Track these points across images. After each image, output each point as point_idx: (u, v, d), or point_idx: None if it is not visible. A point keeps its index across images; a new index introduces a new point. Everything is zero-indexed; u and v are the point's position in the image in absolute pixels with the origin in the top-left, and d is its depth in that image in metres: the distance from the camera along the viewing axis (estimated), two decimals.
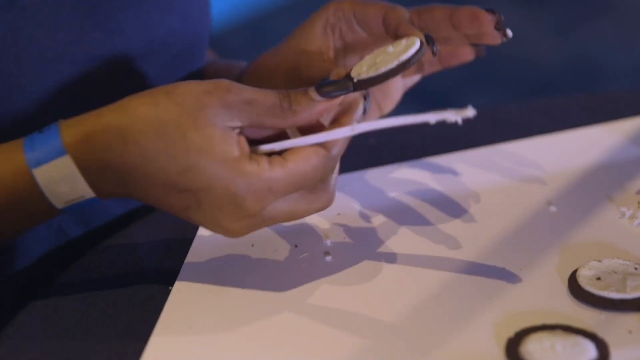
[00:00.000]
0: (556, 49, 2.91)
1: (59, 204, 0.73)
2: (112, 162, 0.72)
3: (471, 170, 0.94)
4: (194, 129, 0.70)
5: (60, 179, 0.72)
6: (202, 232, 0.87)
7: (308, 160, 0.72)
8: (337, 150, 0.74)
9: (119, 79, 0.87)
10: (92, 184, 0.72)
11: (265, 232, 0.86)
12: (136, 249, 0.86)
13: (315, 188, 0.74)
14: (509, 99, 2.64)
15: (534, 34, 2.99)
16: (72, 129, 0.72)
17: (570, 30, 2.99)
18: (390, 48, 0.77)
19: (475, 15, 0.83)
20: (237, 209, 0.72)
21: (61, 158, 0.72)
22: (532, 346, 0.70)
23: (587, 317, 0.74)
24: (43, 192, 0.72)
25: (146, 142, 0.71)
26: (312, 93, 0.74)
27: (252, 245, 0.85)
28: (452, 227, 0.86)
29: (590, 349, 0.69)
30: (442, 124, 1.03)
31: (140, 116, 0.71)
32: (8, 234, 0.76)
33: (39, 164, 0.72)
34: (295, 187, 0.72)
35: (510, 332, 0.72)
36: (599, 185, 0.90)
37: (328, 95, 0.74)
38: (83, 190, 0.73)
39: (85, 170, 0.72)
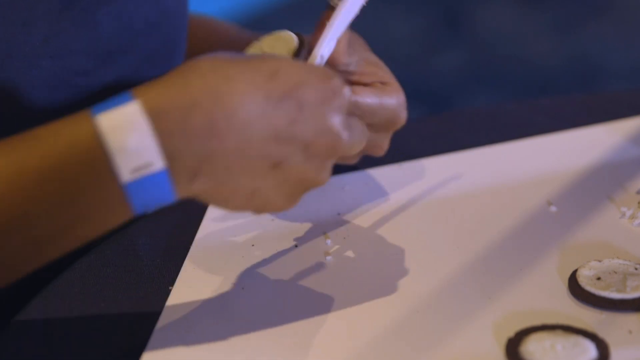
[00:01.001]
0: (556, 49, 2.91)
1: (125, 170, 0.65)
2: (196, 101, 0.66)
3: (471, 170, 0.94)
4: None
5: (125, 124, 0.64)
6: (203, 232, 0.87)
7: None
8: None
9: (100, 72, 0.86)
10: (164, 144, 0.65)
11: (266, 232, 0.86)
12: (136, 249, 0.86)
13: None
14: (509, 99, 2.64)
15: (534, 34, 2.99)
16: (145, 88, 0.67)
17: (570, 30, 2.99)
18: None
19: None
20: (334, 96, 0.70)
21: (129, 107, 0.65)
22: (532, 346, 0.70)
23: (587, 317, 0.74)
24: (106, 142, 0.64)
25: (231, 81, 0.67)
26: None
27: (252, 245, 0.85)
28: (453, 227, 0.86)
29: (591, 349, 0.69)
30: (442, 124, 1.03)
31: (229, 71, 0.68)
32: (75, 220, 0.67)
33: (103, 110, 0.65)
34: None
35: (511, 332, 0.72)
36: (599, 185, 0.90)
37: None
38: (150, 151, 0.65)
39: (157, 119, 0.65)
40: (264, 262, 0.83)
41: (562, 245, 0.82)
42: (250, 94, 0.68)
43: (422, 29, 3.07)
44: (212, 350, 0.73)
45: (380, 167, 0.95)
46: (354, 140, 0.74)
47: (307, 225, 0.87)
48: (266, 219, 0.89)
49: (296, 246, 0.84)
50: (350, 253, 0.83)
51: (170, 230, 0.88)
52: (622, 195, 0.89)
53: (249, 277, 0.81)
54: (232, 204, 0.71)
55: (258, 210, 0.72)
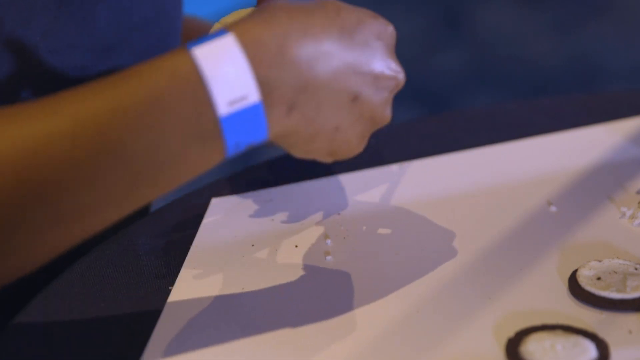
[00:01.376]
0: (556, 49, 2.91)
1: (221, 100, 0.65)
2: (285, 36, 0.67)
3: (471, 170, 0.94)
4: None
5: (219, 53, 0.65)
6: (203, 232, 0.87)
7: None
8: None
9: (97, 67, 0.87)
10: (260, 74, 0.66)
11: (266, 232, 0.86)
12: (136, 249, 0.86)
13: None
14: (509, 99, 2.64)
15: (534, 34, 2.99)
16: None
17: (570, 30, 2.99)
18: None
19: None
20: (387, 33, 0.74)
21: (224, 38, 0.66)
22: (532, 346, 0.70)
23: (587, 317, 0.74)
24: (202, 71, 0.65)
25: (306, 13, 0.69)
26: None
27: (252, 245, 0.85)
28: (453, 227, 0.86)
29: (591, 349, 0.69)
30: (442, 124, 1.03)
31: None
32: (172, 157, 0.66)
33: (197, 44, 0.66)
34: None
35: (511, 332, 0.72)
36: (599, 185, 0.90)
37: None
38: (247, 81, 0.65)
39: (252, 48, 0.66)
40: (264, 262, 0.83)
41: (562, 245, 0.82)
42: (329, 27, 0.70)
43: (422, 29, 3.08)
44: (212, 350, 0.73)
45: (380, 167, 0.95)
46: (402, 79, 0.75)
47: (307, 225, 0.87)
48: (266, 219, 0.89)
49: (296, 246, 0.84)
50: (350, 253, 0.83)
51: (170, 230, 0.88)
52: (622, 195, 0.89)
53: (249, 277, 0.81)
54: (316, 144, 0.72)
55: (333, 154, 0.73)
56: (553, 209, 0.88)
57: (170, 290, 0.80)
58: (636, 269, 0.77)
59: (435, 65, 2.78)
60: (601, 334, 0.71)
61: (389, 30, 0.75)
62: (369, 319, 0.75)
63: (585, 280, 0.76)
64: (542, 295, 0.77)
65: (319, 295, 0.78)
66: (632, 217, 0.85)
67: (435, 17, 3.16)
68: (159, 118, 0.65)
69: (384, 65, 0.73)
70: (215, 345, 0.74)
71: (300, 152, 0.72)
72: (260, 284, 0.80)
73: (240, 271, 0.82)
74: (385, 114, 0.74)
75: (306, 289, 0.79)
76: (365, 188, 0.93)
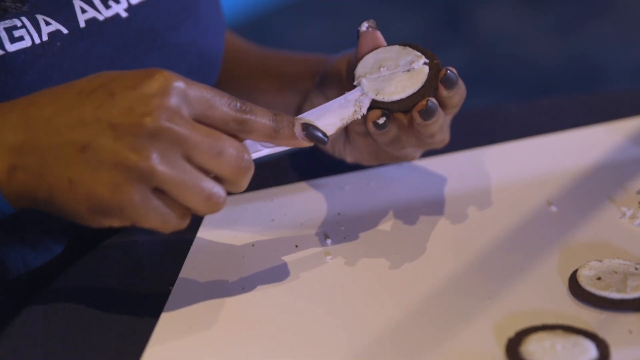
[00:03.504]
0: (556, 49, 2.91)
1: None
2: (15, 103, 0.71)
3: (471, 170, 0.94)
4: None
5: None
6: (203, 232, 0.87)
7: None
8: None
9: None
10: None
11: (266, 232, 0.86)
12: (136, 249, 0.86)
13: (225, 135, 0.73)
14: (509, 99, 2.64)
15: (534, 34, 2.99)
16: None
17: (570, 30, 2.99)
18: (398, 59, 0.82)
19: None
20: (150, 81, 0.70)
21: None
22: (532, 346, 0.70)
23: (587, 317, 0.74)
24: None
25: (53, 88, 0.72)
26: (297, 129, 0.76)
27: (253, 245, 0.85)
28: (453, 227, 0.86)
29: (591, 349, 0.69)
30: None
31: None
32: None
33: None
34: (208, 107, 0.72)
35: (511, 332, 0.72)
36: (599, 185, 0.90)
37: (309, 138, 0.76)
38: None
39: None
40: (264, 262, 0.83)
41: (563, 245, 0.82)
42: (64, 91, 0.71)
43: (423, 29, 3.07)
44: (212, 350, 0.73)
45: (380, 167, 0.95)
46: (175, 123, 0.70)
47: (307, 225, 0.87)
48: (266, 219, 0.89)
49: (296, 246, 0.84)
50: (350, 253, 0.83)
51: None
52: (623, 195, 0.89)
53: (249, 277, 0.81)
54: (59, 200, 0.70)
55: (91, 209, 0.70)
56: (553, 209, 0.87)
57: (170, 290, 0.79)
58: (636, 269, 0.77)
59: None
60: (601, 334, 0.71)
61: (160, 81, 0.70)
62: (369, 319, 0.75)
63: (586, 280, 0.76)
64: (542, 295, 0.77)
65: (319, 295, 0.78)
66: (633, 217, 0.85)
67: (435, 17, 3.15)
68: None
69: (126, 111, 0.69)
70: (215, 345, 0.74)
71: (66, 215, 0.71)
72: (260, 284, 0.80)
73: (240, 271, 0.81)
74: (137, 160, 0.69)
75: (306, 288, 0.79)
76: (366, 188, 0.93)
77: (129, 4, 0.87)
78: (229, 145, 0.71)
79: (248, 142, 0.75)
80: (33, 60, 0.81)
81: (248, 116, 0.73)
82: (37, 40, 0.81)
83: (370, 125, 0.81)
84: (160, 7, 0.90)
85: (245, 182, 0.73)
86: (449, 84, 0.81)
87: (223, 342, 0.74)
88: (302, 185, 0.94)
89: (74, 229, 0.92)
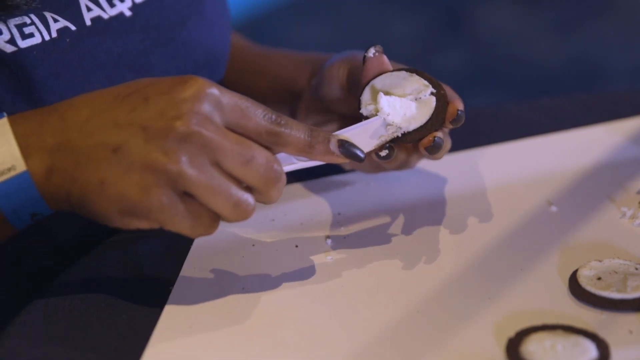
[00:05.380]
0: (556, 49, 2.91)
1: None
2: (55, 107, 0.73)
3: (471, 170, 0.94)
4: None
5: None
6: None
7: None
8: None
9: None
10: (24, 143, 0.71)
11: (266, 232, 0.86)
12: (136, 249, 0.86)
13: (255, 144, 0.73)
14: (509, 99, 2.64)
15: (534, 34, 2.99)
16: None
17: (570, 30, 2.99)
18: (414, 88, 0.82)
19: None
20: (184, 87, 0.71)
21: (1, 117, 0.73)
22: (532, 346, 0.70)
23: (587, 317, 0.74)
24: None
25: (91, 92, 0.73)
26: (333, 145, 0.76)
27: (253, 245, 0.85)
28: (453, 227, 0.86)
29: (591, 349, 0.69)
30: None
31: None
32: None
33: None
34: (242, 116, 0.72)
35: (511, 332, 0.72)
36: (599, 185, 0.90)
37: (345, 154, 0.77)
38: (11, 154, 0.71)
39: (19, 124, 0.72)
40: (264, 262, 0.83)
41: (563, 245, 0.82)
42: (101, 95, 0.73)
43: (423, 28, 3.07)
44: (212, 350, 0.73)
45: None
46: (206, 129, 0.71)
47: (307, 225, 0.87)
48: (266, 219, 0.89)
49: (296, 246, 0.84)
50: (350, 253, 0.83)
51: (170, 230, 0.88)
52: (623, 195, 0.89)
53: (249, 277, 0.81)
54: (90, 201, 0.71)
55: (126, 212, 0.71)
56: (553, 209, 0.88)
57: (170, 290, 0.79)
58: (637, 269, 0.77)
59: (436, 65, 2.78)
60: (601, 334, 0.71)
61: (194, 87, 0.71)
62: (369, 319, 0.75)
63: (586, 280, 0.76)
64: (543, 295, 0.77)
65: (319, 295, 0.78)
66: (633, 217, 0.85)
67: (436, 17, 3.16)
68: None
69: (158, 115, 0.70)
70: (215, 345, 0.74)
71: (96, 216, 0.72)
72: (260, 284, 0.80)
73: (240, 271, 0.81)
74: (167, 163, 0.70)
75: (306, 289, 0.79)
76: (366, 188, 0.93)
77: (133, 3, 0.88)
78: (259, 155, 0.72)
79: (283, 155, 0.76)
80: (44, 56, 0.82)
81: (282, 129, 0.74)
82: (47, 37, 0.82)
83: (374, 157, 0.82)
84: (165, 5, 0.90)
85: (275, 193, 0.74)
86: (458, 122, 0.82)
87: (223, 342, 0.74)
88: (302, 185, 0.94)
89: (74, 229, 0.92)
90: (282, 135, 0.74)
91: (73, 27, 0.84)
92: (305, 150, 0.75)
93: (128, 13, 0.88)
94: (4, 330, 0.77)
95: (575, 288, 0.76)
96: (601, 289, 0.75)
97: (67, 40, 0.83)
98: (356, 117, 0.83)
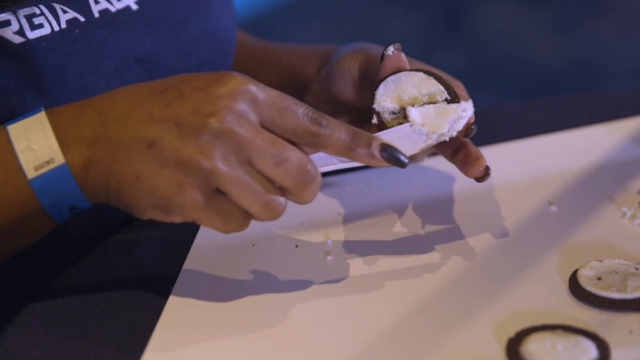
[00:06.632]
0: (556, 49, 2.91)
1: (29, 169, 0.72)
2: (92, 100, 0.73)
3: None
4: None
5: (29, 126, 0.72)
6: (203, 232, 0.87)
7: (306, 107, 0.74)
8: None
9: None
10: (62, 136, 0.72)
11: (266, 232, 0.86)
12: (136, 249, 0.86)
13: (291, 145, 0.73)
14: (509, 99, 2.64)
15: (534, 34, 2.99)
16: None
17: (570, 30, 2.99)
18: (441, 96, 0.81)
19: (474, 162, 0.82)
20: (220, 83, 0.72)
21: (36, 115, 0.73)
22: (532, 346, 0.70)
23: (588, 317, 0.74)
24: (11, 141, 0.72)
25: (128, 86, 0.74)
26: (375, 149, 0.75)
27: (253, 245, 0.85)
28: (453, 227, 0.86)
29: (591, 349, 0.69)
30: None
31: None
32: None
33: (14, 122, 0.73)
34: (278, 114, 0.72)
35: (511, 332, 0.72)
36: (599, 185, 0.90)
37: (387, 159, 0.76)
38: (50, 146, 0.72)
39: (56, 117, 0.73)
40: (264, 262, 0.83)
41: (563, 245, 0.82)
42: (137, 90, 0.73)
43: (422, 28, 3.08)
44: (212, 350, 0.73)
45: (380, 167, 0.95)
46: (240, 126, 0.71)
47: (307, 225, 0.87)
48: None
49: (297, 246, 0.84)
50: (350, 253, 0.83)
51: (170, 230, 0.88)
52: (623, 195, 0.89)
53: (249, 277, 0.81)
54: (125, 195, 0.72)
55: (159, 207, 0.72)
56: (553, 209, 0.88)
57: (170, 290, 0.79)
58: (637, 269, 0.77)
59: (435, 65, 2.78)
60: (602, 334, 0.71)
61: (231, 83, 0.72)
62: (369, 319, 0.75)
63: (586, 280, 0.76)
64: (543, 295, 0.77)
65: (319, 295, 0.78)
66: (633, 217, 0.85)
67: (436, 17, 3.16)
68: None
69: (193, 111, 0.71)
70: (215, 345, 0.74)
71: (131, 210, 0.73)
72: (260, 284, 0.80)
73: (240, 271, 0.81)
74: (199, 159, 0.70)
75: (306, 289, 0.79)
76: (366, 188, 0.93)
77: None
78: (293, 156, 0.72)
79: (323, 155, 0.76)
80: (53, 47, 0.82)
81: (322, 130, 0.74)
82: (56, 28, 0.83)
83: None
84: (171, 0, 0.91)
85: (308, 195, 0.74)
86: (469, 135, 0.82)
87: (223, 342, 0.74)
88: None
89: (75, 229, 0.92)
90: (321, 136, 0.74)
91: (82, 19, 0.84)
92: (345, 153, 0.75)
93: (134, 7, 0.88)
94: (4, 330, 0.77)
95: (575, 288, 0.76)
96: (601, 289, 0.75)
97: (76, 31, 0.84)
98: (367, 110, 0.84)
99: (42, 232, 0.76)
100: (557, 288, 0.77)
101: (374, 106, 0.82)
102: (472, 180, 0.83)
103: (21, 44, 0.81)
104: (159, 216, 0.72)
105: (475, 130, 0.82)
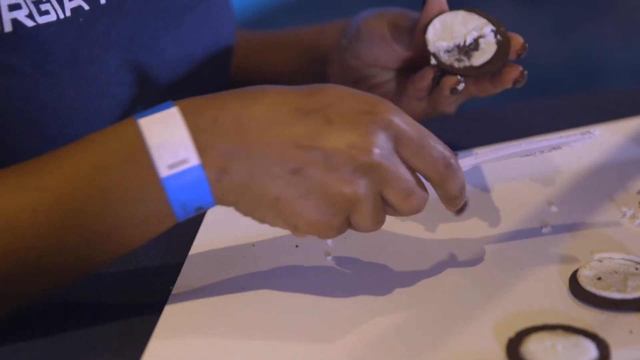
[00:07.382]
0: (556, 49, 2.91)
1: (162, 164, 0.70)
2: (227, 105, 0.72)
3: (471, 170, 0.94)
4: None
5: (162, 121, 0.71)
6: (203, 231, 0.87)
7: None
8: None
9: (161, 98, 0.88)
10: (198, 138, 0.70)
11: (266, 232, 0.86)
12: (136, 249, 0.86)
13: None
14: (509, 99, 2.63)
15: (534, 34, 2.99)
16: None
17: (570, 30, 2.99)
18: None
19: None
20: (368, 116, 0.71)
21: (168, 109, 0.71)
22: (533, 346, 0.70)
23: (588, 317, 0.74)
24: (144, 137, 0.70)
25: (267, 96, 0.72)
26: (459, 207, 0.78)
27: (253, 245, 0.85)
28: (453, 227, 0.86)
29: (591, 349, 0.69)
30: (442, 124, 1.03)
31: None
32: (123, 220, 0.72)
33: (144, 115, 0.72)
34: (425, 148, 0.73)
35: (511, 332, 0.72)
36: (599, 185, 0.90)
37: (458, 213, 0.78)
38: (185, 146, 0.70)
39: (191, 116, 0.71)
40: (265, 262, 0.83)
41: (563, 245, 0.82)
42: (281, 104, 0.72)
43: None
44: (212, 350, 0.73)
45: None
46: (390, 168, 0.72)
47: None
48: None
49: (297, 246, 0.84)
50: (350, 253, 0.83)
51: (170, 230, 0.88)
52: (623, 195, 0.89)
53: (249, 277, 0.81)
54: (259, 212, 0.73)
55: (291, 224, 0.73)
56: (553, 209, 0.87)
57: (170, 290, 0.79)
58: (637, 269, 0.77)
59: None
60: (602, 334, 0.71)
61: (379, 114, 0.72)
62: (369, 319, 0.75)
63: (586, 280, 0.76)
64: (543, 295, 0.77)
65: (319, 295, 0.78)
66: (633, 217, 0.85)
67: None
68: (106, 182, 0.71)
69: (344, 145, 0.71)
70: (215, 345, 0.74)
71: (258, 219, 0.74)
72: (260, 284, 0.80)
73: (240, 271, 0.81)
74: (345, 193, 0.71)
75: (306, 289, 0.79)
76: None
77: None
78: (418, 192, 0.74)
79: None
80: (60, 34, 0.83)
81: (448, 180, 0.76)
82: (62, 15, 0.83)
83: (447, 91, 0.85)
84: None
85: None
86: (524, 53, 0.90)
87: (223, 342, 0.74)
88: None
89: None
90: (446, 183, 0.76)
91: (87, 7, 0.85)
92: (448, 199, 0.77)
93: None
94: (4, 330, 0.77)
95: (576, 288, 0.76)
96: (601, 289, 0.75)
97: (81, 19, 0.84)
98: (396, 69, 0.90)
99: (159, 232, 0.74)
100: (557, 288, 0.77)
101: (428, 48, 0.85)
102: (472, 181, 0.82)
103: (33, 27, 0.82)
104: (287, 229, 0.74)
105: (526, 78, 0.93)
